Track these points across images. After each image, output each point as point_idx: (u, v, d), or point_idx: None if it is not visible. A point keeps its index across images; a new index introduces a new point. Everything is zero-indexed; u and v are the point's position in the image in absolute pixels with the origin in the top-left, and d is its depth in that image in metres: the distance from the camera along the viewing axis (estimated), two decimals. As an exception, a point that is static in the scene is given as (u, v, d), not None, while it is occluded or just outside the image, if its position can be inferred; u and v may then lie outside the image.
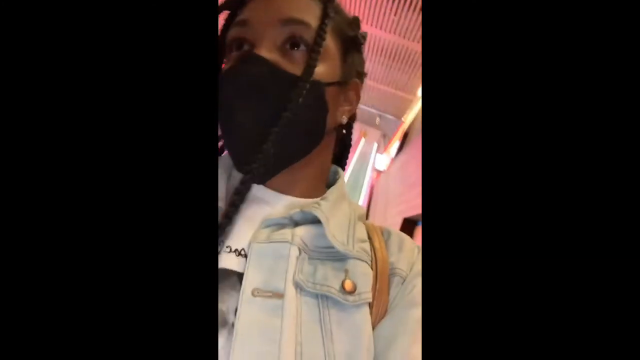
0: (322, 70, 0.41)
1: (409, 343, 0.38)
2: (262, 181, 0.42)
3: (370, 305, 0.40)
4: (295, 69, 0.40)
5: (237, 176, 0.45)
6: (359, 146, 3.25)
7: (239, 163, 0.41)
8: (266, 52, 0.39)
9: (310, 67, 0.40)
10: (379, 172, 3.43)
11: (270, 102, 0.39)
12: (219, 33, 0.44)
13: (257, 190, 0.44)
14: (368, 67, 2.53)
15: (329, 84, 0.43)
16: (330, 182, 0.50)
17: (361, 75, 0.49)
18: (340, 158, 0.53)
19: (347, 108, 0.47)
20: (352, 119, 0.50)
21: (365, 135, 3.49)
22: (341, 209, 0.45)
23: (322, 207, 0.42)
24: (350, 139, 0.55)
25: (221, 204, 0.41)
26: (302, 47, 0.41)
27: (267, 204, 0.43)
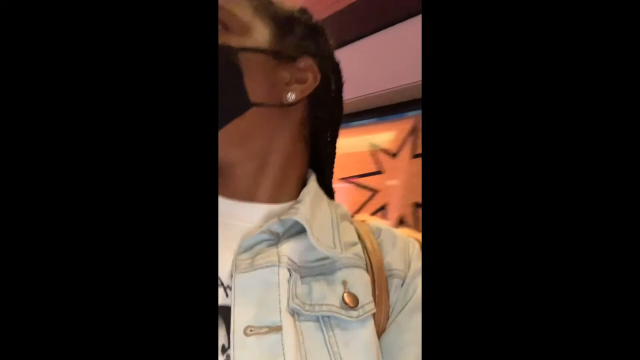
0: (234, 38, 0.39)
1: (418, 353, 0.36)
2: None
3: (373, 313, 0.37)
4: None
5: None
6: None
7: None
8: None
9: (235, 40, 0.39)
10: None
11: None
12: None
13: (223, 204, 0.40)
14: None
15: (243, 49, 0.39)
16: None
17: (322, 57, 0.45)
18: (322, 166, 0.49)
19: (297, 86, 0.43)
20: (334, 127, 0.48)
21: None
22: (320, 210, 0.42)
23: (300, 210, 0.39)
24: (333, 148, 0.50)
25: None
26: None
27: (238, 220, 0.40)
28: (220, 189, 0.41)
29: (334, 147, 0.50)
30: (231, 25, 0.40)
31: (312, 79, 0.44)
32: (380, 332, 0.38)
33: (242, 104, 0.39)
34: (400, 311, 0.38)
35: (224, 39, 0.38)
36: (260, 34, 0.41)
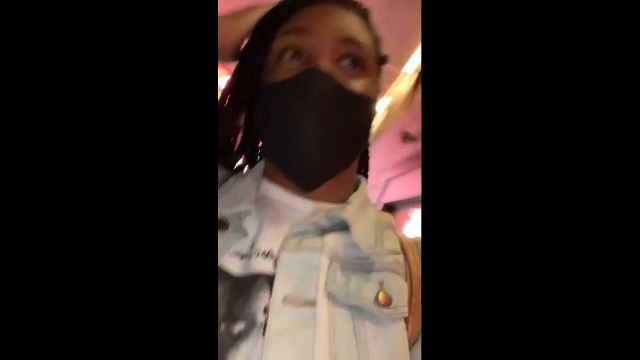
0: (371, 87, 0.44)
1: None
2: (310, 190, 0.43)
3: (406, 322, 0.38)
4: (354, 86, 0.42)
5: (267, 185, 0.46)
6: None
7: (299, 171, 0.42)
8: (326, 65, 0.40)
9: (370, 89, 0.43)
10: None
11: (334, 117, 0.40)
12: (261, 37, 0.45)
13: (280, 194, 0.45)
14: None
15: (375, 100, 0.46)
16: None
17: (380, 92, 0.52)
18: (363, 168, 0.55)
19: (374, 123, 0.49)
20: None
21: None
22: (367, 215, 0.45)
23: (348, 210, 0.42)
24: (368, 151, 0.56)
25: (252, 208, 0.41)
26: (358, 66, 0.43)
27: (292, 211, 0.44)
28: (277, 181, 0.46)
29: (368, 151, 0.56)
30: (371, 77, 0.45)
31: (375, 114, 0.50)
32: (413, 340, 0.39)
33: (363, 149, 0.49)
34: None
35: (368, 91, 0.44)
36: (376, 79, 0.47)
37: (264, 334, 0.34)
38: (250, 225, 0.42)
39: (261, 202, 0.45)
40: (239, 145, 0.51)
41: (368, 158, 0.56)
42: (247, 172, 0.49)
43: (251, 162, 0.53)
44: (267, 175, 0.48)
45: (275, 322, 0.34)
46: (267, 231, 0.41)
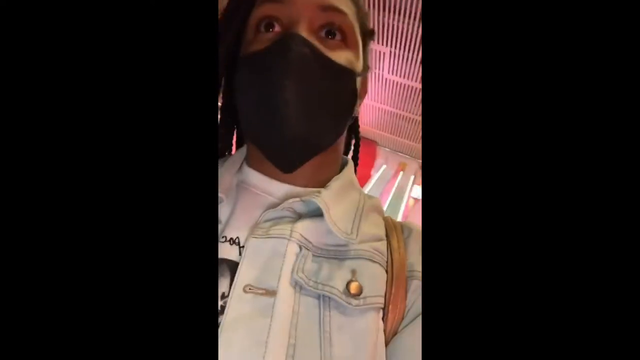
0: (353, 60, 0.41)
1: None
2: (290, 170, 0.40)
3: (385, 312, 0.37)
4: (335, 56, 0.39)
5: (246, 169, 0.45)
6: (397, 179, 3.18)
7: (277, 148, 0.39)
8: (305, 33, 0.38)
9: (352, 62, 0.41)
10: (416, 200, 3.35)
11: (314, 86, 0.37)
12: (235, 7, 0.41)
13: (257, 178, 0.43)
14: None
15: (358, 74, 0.43)
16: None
17: (368, 69, 0.49)
18: (352, 151, 0.53)
19: (359, 101, 0.46)
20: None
21: (404, 168, 3.43)
22: (347, 198, 0.43)
23: (323, 195, 0.40)
24: (358, 133, 0.54)
25: (223, 195, 0.40)
26: (338, 36, 0.40)
27: (268, 194, 0.42)
28: (256, 165, 0.44)
29: (358, 133, 0.53)
30: (353, 48, 0.42)
31: (364, 92, 0.48)
32: (393, 330, 0.37)
33: (345, 125, 0.45)
34: (418, 313, 0.38)
35: (350, 62, 0.41)
36: (363, 55, 0.45)
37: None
38: (221, 212, 0.40)
39: (239, 187, 0.43)
40: (218, 128, 0.48)
41: (357, 136, 0.53)
42: (226, 158, 0.47)
43: (230, 146, 0.50)
44: (248, 159, 0.46)
45: (233, 310, 0.33)
46: (239, 217, 0.40)
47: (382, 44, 1.92)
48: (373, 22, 1.76)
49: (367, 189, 3.15)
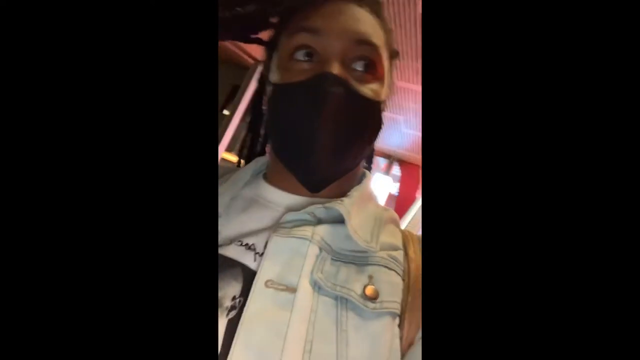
0: (380, 90, 0.44)
1: None
2: (317, 190, 0.43)
3: (402, 319, 0.37)
4: (365, 90, 0.42)
5: (264, 186, 0.47)
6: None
7: (307, 174, 0.42)
8: (338, 69, 0.40)
9: (381, 91, 0.43)
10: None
11: (344, 120, 0.40)
12: (268, 33, 0.45)
13: (277, 195, 0.45)
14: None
15: (384, 101, 0.46)
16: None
17: (393, 85, 0.51)
18: (368, 163, 0.55)
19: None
20: None
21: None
22: (366, 209, 0.45)
23: (345, 203, 0.42)
24: (373, 146, 0.56)
25: (221, 210, 0.43)
26: (369, 68, 0.42)
27: (288, 209, 0.44)
28: (277, 182, 0.46)
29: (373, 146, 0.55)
30: (383, 79, 0.44)
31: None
32: (409, 339, 0.37)
33: (371, 149, 0.50)
34: None
35: (378, 93, 0.43)
36: (388, 77, 0.47)
37: (227, 315, 0.35)
38: (239, 222, 0.43)
39: (254, 201, 0.46)
40: (244, 138, 0.53)
41: (373, 152, 0.55)
42: (229, 176, 0.49)
43: (251, 156, 0.54)
44: (268, 175, 0.49)
45: (254, 303, 0.35)
46: (256, 228, 0.42)
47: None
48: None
49: (414, 210, 3.27)
